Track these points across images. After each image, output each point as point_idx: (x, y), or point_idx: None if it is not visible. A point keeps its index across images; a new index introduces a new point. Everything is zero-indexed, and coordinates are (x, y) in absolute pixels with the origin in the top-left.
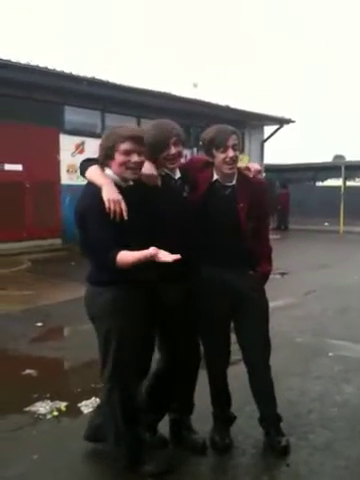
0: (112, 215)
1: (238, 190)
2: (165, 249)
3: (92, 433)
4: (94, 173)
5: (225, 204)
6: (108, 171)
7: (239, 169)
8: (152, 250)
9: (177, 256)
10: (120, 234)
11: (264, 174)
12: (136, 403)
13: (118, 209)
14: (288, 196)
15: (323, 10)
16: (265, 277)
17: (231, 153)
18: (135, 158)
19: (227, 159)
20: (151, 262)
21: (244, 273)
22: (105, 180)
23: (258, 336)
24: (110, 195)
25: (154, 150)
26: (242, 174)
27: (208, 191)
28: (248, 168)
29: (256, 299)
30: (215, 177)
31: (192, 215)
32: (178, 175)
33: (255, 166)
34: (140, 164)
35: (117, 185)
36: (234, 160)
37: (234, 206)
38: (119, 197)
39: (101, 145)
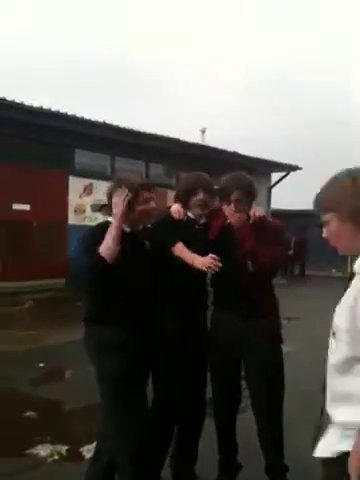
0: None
1: (249, 234)
2: (181, 291)
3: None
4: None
5: (235, 248)
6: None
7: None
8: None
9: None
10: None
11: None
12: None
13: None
14: (304, 242)
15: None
16: (274, 325)
17: (233, 207)
18: (153, 203)
19: (231, 211)
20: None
21: (252, 320)
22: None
23: (265, 385)
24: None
25: (185, 194)
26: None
27: (220, 234)
28: (254, 214)
29: (263, 348)
30: (228, 220)
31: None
32: (203, 221)
33: (258, 212)
34: (153, 210)
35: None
36: (238, 211)
37: (244, 250)
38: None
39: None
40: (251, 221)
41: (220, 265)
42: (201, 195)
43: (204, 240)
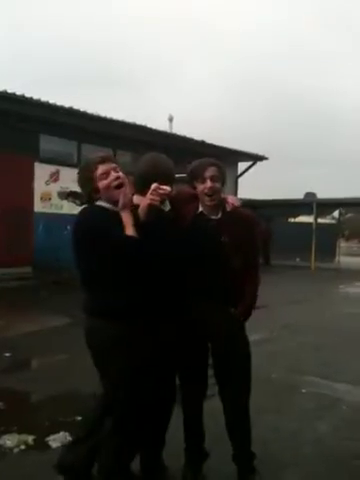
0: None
1: (223, 224)
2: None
3: (63, 470)
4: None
5: (209, 237)
6: (99, 202)
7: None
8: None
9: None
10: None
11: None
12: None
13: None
14: (270, 232)
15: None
16: (246, 315)
17: (209, 184)
18: (114, 174)
19: (206, 190)
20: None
21: (225, 309)
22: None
23: (236, 374)
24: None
25: (142, 183)
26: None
27: (192, 224)
28: (226, 200)
29: (234, 337)
30: (200, 209)
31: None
32: (168, 207)
33: (234, 199)
34: (120, 178)
35: (112, 211)
36: (214, 191)
37: (217, 239)
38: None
39: (79, 183)
40: (228, 209)
41: (168, 189)
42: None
43: (172, 229)
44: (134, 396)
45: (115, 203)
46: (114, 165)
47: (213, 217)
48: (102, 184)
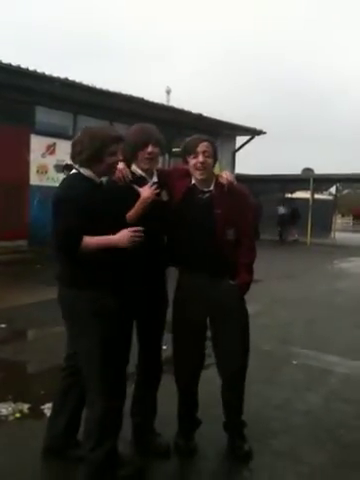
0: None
1: (216, 196)
2: (134, 249)
3: (52, 442)
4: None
5: (201, 210)
6: (83, 170)
7: (218, 177)
8: (118, 237)
9: (138, 228)
10: (94, 230)
11: (235, 183)
12: (121, 408)
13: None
14: (259, 207)
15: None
16: (244, 287)
17: (201, 158)
18: (120, 156)
19: (197, 164)
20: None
21: (222, 282)
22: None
23: (234, 345)
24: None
25: (133, 149)
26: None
27: (185, 196)
28: (221, 175)
29: (233, 309)
30: (193, 182)
31: (165, 219)
32: (155, 179)
33: (229, 175)
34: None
35: (93, 181)
36: (205, 166)
37: (210, 212)
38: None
39: (84, 145)
40: (224, 182)
41: (141, 235)
42: (150, 148)
43: (156, 201)
44: (108, 366)
45: (99, 174)
46: (120, 149)
47: (206, 190)
48: (110, 159)
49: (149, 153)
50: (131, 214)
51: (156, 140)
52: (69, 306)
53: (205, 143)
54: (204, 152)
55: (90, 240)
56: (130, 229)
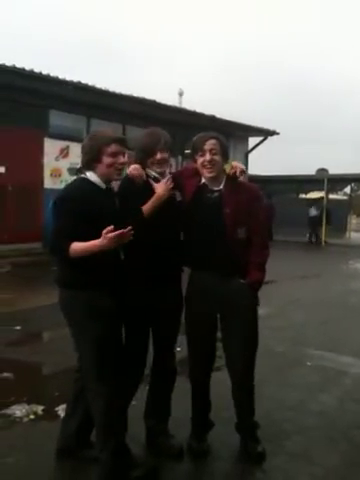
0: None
1: (225, 195)
2: (142, 249)
3: (65, 443)
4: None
5: (211, 209)
6: (89, 174)
7: (228, 175)
8: (100, 240)
9: (128, 229)
10: (93, 233)
11: (242, 178)
12: (119, 408)
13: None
14: (272, 208)
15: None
16: (255, 285)
17: (208, 156)
18: (122, 159)
19: (205, 162)
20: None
21: (232, 280)
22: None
23: (243, 345)
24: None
25: (143, 154)
26: (233, 180)
27: (195, 195)
28: (232, 166)
29: (242, 307)
30: (202, 181)
31: (177, 219)
32: (180, 198)
33: (239, 165)
34: (124, 165)
35: (98, 187)
36: (212, 163)
37: (220, 211)
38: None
39: (85, 148)
40: (237, 172)
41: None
42: (158, 155)
43: (172, 199)
44: (105, 366)
45: (106, 180)
46: (124, 150)
47: (215, 188)
48: (109, 160)
49: (158, 159)
50: (146, 208)
51: (164, 145)
52: (67, 307)
53: (212, 141)
54: (211, 150)
55: (76, 246)
56: (106, 229)
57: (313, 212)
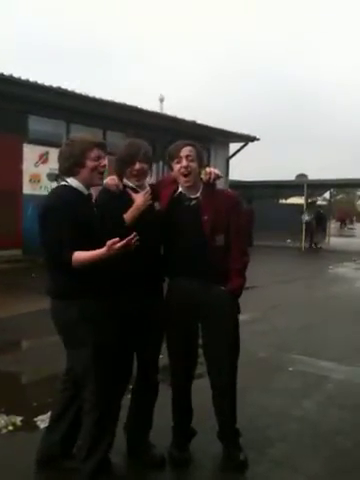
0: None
1: (203, 203)
2: (128, 258)
3: (47, 453)
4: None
5: (189, 217)
6: (70, 180)
7: (205, 182)
8: (105, 248)
9: (132, 236)
10: (85, 240)
11: (219, 184)
12: (114, 418)
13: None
14: (252, 213)
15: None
16: (236, 292)
17: (184, 162)
18: (104, 162)
19: (181, 169)
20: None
21: (212, 288)
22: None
23: (225, 352)
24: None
25: (122, 164)
26: (209, 187)
27: (172, 203)
28: (206, 172)
29: (223, 314)
30: (180, 189)
31: (157, 227)
32: (147, 190)
33: (214, 170)
34: (105, 167)
35: (81, 193)
36: (189, 170)
37: (198, 219)
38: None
39: (65, 154)
40: (211, 178)
41: (133, 239)
42: (137, 165)
43: (151, 209)
44: (102, 375)
45: (87, 185)
46: (104, 155)
47: (192, 196)
48: (92, 164)
49: (136, 170)
50: (126, 217)
51: (143, 156)
52: (61, 318)
53: (188, 147)
54: (187, 156)
55: (80, 256)
56: (111, 241)
57: (306, 218)
